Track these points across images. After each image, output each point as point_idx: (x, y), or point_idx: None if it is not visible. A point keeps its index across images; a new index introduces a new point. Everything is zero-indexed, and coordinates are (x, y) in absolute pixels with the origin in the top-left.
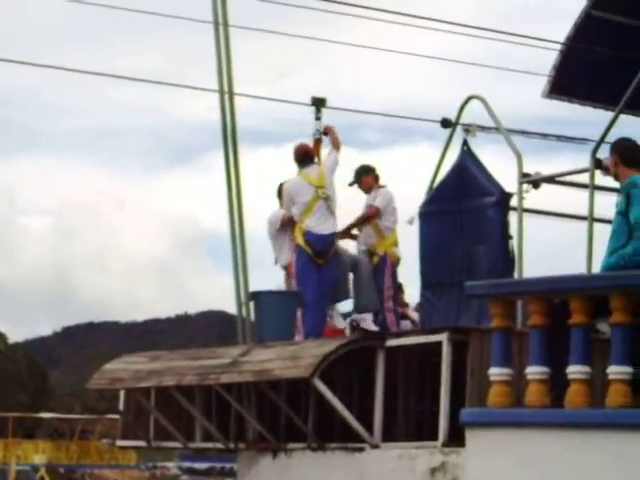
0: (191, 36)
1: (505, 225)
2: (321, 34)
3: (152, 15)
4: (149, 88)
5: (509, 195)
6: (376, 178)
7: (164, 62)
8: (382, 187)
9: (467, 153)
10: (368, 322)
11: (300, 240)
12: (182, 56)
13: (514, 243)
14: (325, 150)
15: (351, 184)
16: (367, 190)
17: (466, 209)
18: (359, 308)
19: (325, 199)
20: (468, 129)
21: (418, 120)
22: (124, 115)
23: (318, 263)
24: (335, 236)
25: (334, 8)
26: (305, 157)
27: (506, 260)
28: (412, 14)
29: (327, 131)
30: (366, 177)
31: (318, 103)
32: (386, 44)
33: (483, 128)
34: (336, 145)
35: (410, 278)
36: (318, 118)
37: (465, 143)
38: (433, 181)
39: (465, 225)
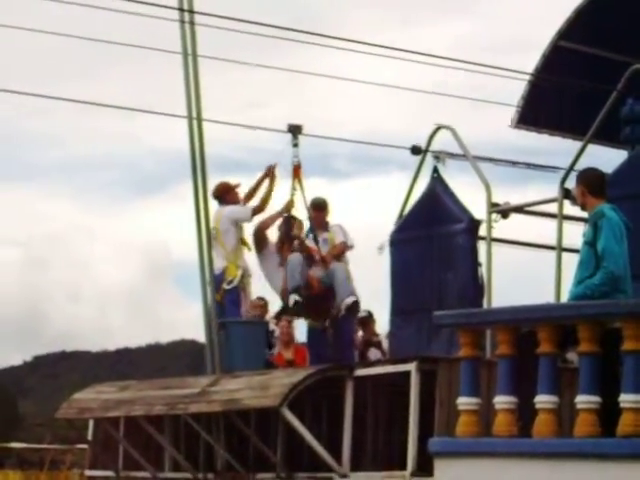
0: (163, 66)
1: (474, 252)
2: (292, 65)
3: (123, 46)
4: (121, 119)
5: (478, 222)
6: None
7: (136, 91)
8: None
9: (437, 180)
10: None
11: None
12: (153, 86)
13: (483, 270)
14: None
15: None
16: (322, 225)
17: (436, 236)
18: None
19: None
20: (438, 156)
21: (388, 147)
22: (95, 145)
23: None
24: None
25: (307, 38)
26: (218, 195)
27: (475, 287)
28: (381, 45)
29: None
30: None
31: (294, 130)
32: (357, 75)
33: (453, 155)
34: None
35: (380, 307)
36: (295, 145)
37: (435, 170)
38: (404, 208)
39: (435, 252)
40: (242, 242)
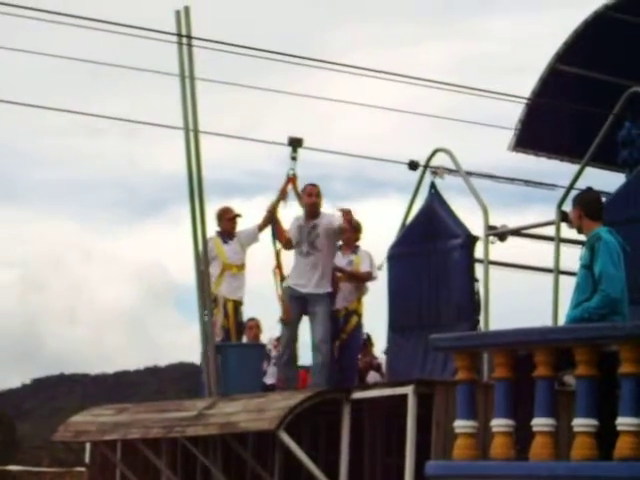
0: (161, 88)
1: (471, 267)
2: (289, 87)
3: (121, 68)
4: (120, 141)
5: (475, 238)
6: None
7: (134, 113)
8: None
9: (435, 196)
10: None
11: None
12: (151, 108)
13: (480, 286)
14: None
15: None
16: (351, 246)
17: (433, 251)
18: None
19: None
20: (436, 171)
21: (387, 162)
22: (94, 167)
23: None
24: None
25: (306, 62)
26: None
27: (472, 302)
28: (378, 69)
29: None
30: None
31: (295, 143)
32: (357, 97)
33: (450, 171)
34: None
35: (378, 328)
36: (294, 158)
37: (433, 186)
38: (403, 224)
39: (432, 267)
40: (226, 267)
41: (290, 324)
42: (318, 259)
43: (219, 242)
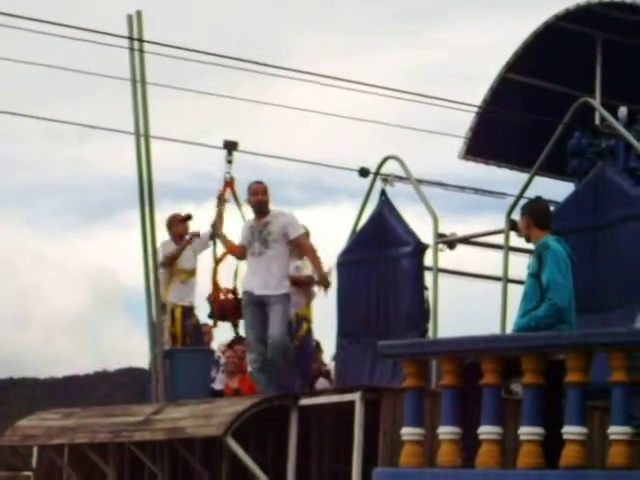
0: (113, 93)
1: (420, 275)
2: (244, 92)
3: (73, 73)
4: (71, 144)
5: (425, 246)
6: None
7: (85, 118)
8: None
9: (385, 203)
10: None
11: None
12: (103, 112)
13: (429, 294)
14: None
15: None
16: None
17: (382, 258)
18: None
19: None
20: (386, 179)
21: (335, 168)
22: (44, 171)
23: None
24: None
25: (257, 68)
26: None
27: (421, 310)
28: (331, 76)
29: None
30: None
31: (230, 146)
32: (308, 103)
33: (401, 178)
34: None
35: (326, 334)
36: (229, 161)
37: (383, 193)
38: (354, 231)
39: (381, 274)
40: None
41: (253, 328)
42: (271, 257)
43: (173, 246)
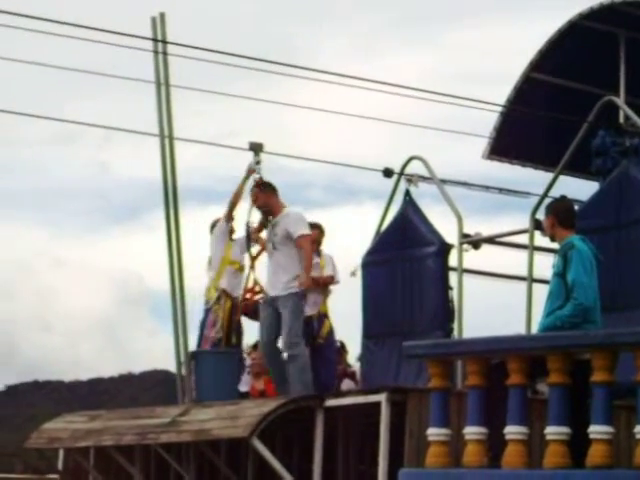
0: (136, 95)
1: (445, 275)
2: (268, 94)
3: (96, 75)
4: (93, 148)
5: (449, 245)
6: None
7: (108, 119)
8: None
9: (409, 203)
10: None
11: None
12: (126, 115)
13: (454, 294)
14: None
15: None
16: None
17: (407, 258)
18: None
19: None
20: (410, 179)
21: (359, 169)
22: (66, 173)
23: None
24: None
25: (280, 69)
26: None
27: (445, 310)
28: (354, 76)
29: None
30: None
31: (256, 148)
32: (332, 105)
33: (425, 178)
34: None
35: (350, 335)
36: (258, 162)
37: (407, 193)
38: (378, 231)
39: (406, 274)
40: (228, 262)
41: (261, 327)
42: (278, 258)
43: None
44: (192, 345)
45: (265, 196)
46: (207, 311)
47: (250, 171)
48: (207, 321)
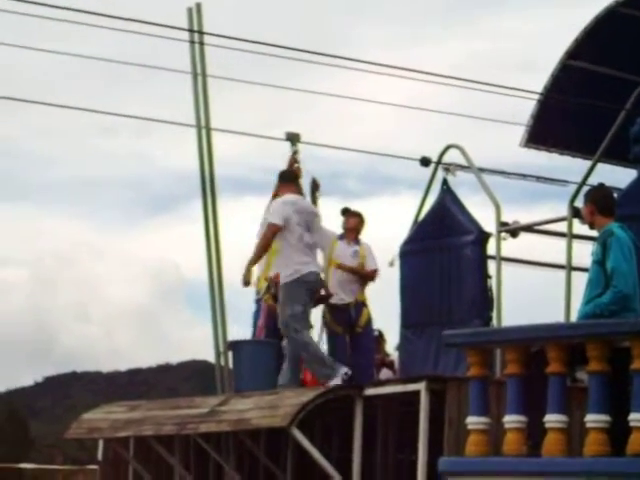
0: (173, 86)
1: (483, 263)
2: (304, 84)
3: (133, 66)
4: (131, 139)
5: (487, 234)
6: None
7: (146, 111)
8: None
9: (447, 192)
10: None
11: None
12: (163, 106)
13: (492, 282)
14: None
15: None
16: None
17: (445, 247)
18: None
19: None
20: (448, 168)
21: (396, 158)
22: (105, 165)
23: None
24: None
25: (316, 59)
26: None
27: (485, 298)
28: (390, 65)
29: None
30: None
31: (293, 138)
32: (368, 94)
33: (462, 167)
34: None
35: (388, 324)
36: (295, 152)
37: (445, 182)
38: (416, 221)
39: (444, 263)
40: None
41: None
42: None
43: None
44: (232, 335)
45: (279, 186)
46: (258, 301)
47: (292, 162)
48: (260, 311)
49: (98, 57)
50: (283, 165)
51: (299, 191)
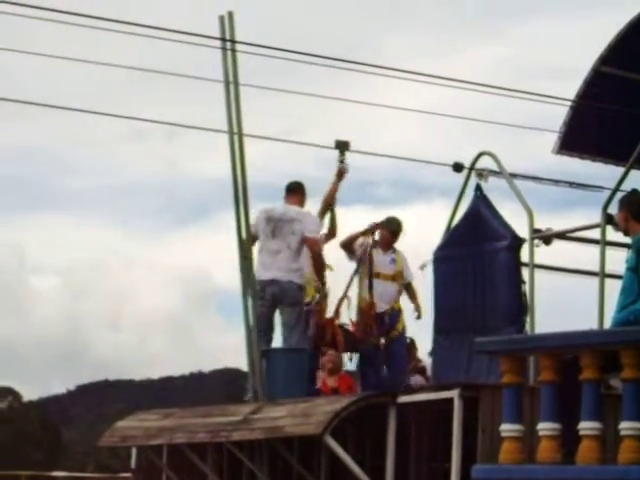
0: (205, 94)
1: (517, 269)
2: (332, 91)
3: (164, 74)
4: (163, 147)
5: (521, 240)
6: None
7: (175, 117)
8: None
9: (480, 198)
10: None
11: None
12: (195, 113)
13: (527, 288)
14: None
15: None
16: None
17: (479, 253)
18: None
19: None
20: (481, 174)
21: (431, 164)
22: (136, 173)
23: None
24: None
25: (347, 65)
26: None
27: (519, 304)
28: (420, 72)
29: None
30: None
31: (342, 146)
32: (397, 101)
33: (496, 173)
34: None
35: (423, 330)
36: (342, 161)
37: (478, 188)
38: (449, 227)
39: (478, 269)
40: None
41: None
42: None
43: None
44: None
45: (285, 196)
46: (308, 312)
47: (341, 171)
48: (308, 321)
49: (130, 66)
50: (315, 171)
51: (302, 201)
